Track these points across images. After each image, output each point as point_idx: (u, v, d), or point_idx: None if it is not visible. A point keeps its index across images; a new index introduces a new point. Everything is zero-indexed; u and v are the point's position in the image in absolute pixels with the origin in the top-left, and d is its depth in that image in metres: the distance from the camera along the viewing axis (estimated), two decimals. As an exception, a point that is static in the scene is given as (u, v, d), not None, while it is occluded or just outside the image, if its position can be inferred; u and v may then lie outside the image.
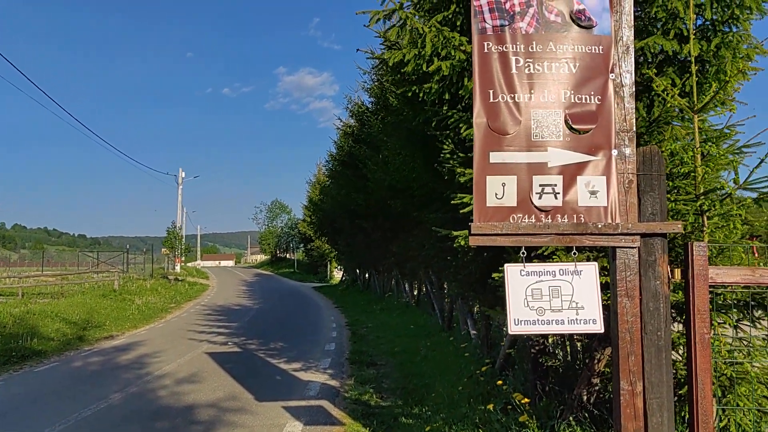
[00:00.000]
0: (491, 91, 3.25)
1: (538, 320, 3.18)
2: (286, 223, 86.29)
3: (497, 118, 3.23)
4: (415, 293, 19.60)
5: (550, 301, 3.19)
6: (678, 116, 4.55)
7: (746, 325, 3.94)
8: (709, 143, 4.25)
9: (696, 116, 3.97)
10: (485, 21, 3.28)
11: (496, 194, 3.23)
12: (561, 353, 5.87)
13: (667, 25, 4.55)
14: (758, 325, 3.86)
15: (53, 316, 16.14)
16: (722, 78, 4.36)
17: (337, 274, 48.22)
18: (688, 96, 4.33)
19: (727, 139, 4.64)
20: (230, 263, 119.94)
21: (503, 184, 3.23)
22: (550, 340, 5.89)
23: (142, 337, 15.09)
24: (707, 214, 3.91)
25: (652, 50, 4.56)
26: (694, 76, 3.99)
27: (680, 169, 4.21)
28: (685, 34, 4.36)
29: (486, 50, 3.27)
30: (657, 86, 4.05)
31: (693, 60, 4.00)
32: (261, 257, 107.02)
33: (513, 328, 3.17)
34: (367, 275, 32.06)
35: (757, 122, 4.71)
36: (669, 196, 4.21)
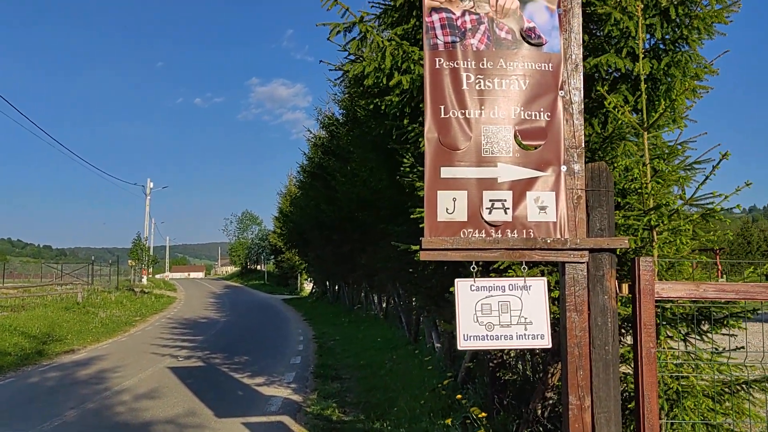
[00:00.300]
0: (442, 107, 3.26)
1: (487, 335, 3.18)
2: (256, 235, 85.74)
3: (448, 134, 3.24)
4: (384, 305, 19.58)
5: (500, 316, 3.20)
6: (631, 132, 4.63)
7: (695, 338, 4.00)
8: (659, 159, 4.33)
9: (646, 133, 4.05)
10: (437, 37, 3.30)
11: (447, 209, 3.24)
12: (521, 366, 5.90)
13: (620, 44, 4.64)
14: (705, 339, 3.92)
15: (12, 330, 15.73)
16: (672, 96, 4.45)
17: (308, 286, 47.94)
18: (640, 113, 4.41)
19: (678, 155, 4.75)
20: (200, 275, 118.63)
21: (454, 199, 3.23)
22: (512, 354, 5.92)
23: (104, 351, 14.79)
24: (657, 229, 3.97)
25: (606, 68, 4.64)
26: (644, 94, 4.07)
27: (632, 184, 4.28)
28: (637, 53, 4.45)
29: (437, 66, 3.29)
30: (609, 104, 4.12)
31: (643, 79, 4.08)
32: (231, 269, 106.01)
33: (462, 344, 3.17)
34: (336, 287, 31.94)
35: (708, 139, 4.82)
36: (621, 211, 4.27)
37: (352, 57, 5.90)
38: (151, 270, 53.18)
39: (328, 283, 34.57)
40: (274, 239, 50.10)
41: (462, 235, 3.22)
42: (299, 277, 51.16)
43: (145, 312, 26.99)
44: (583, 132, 3.31)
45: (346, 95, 15.34)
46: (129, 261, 47.40)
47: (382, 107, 5.64)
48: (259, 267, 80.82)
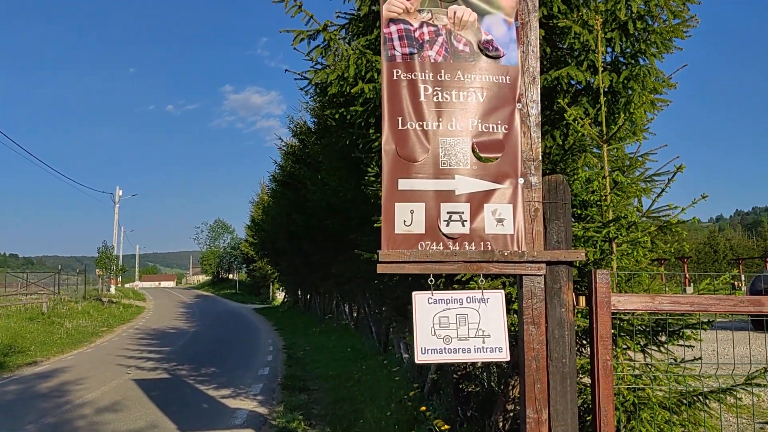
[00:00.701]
0: (400, 119, 3.25)
1: (444, 349, 3.16)
2: (228, 243, 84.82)
3: (406, 146, 3.22)
4: (355, 315, 19.48)
5: (457, 329, 3.18)
6: (592, 144, 4.67)
7: (653, 349, 4.03)
8: (620, 172, 4.36)
9: (605, 146, 4.08)
10: (395, 48, 3.28)
11: (404, 221, 3.21)
12: (486, 377, 5.89)
13: (581, 57, 4.68)
14: (662, 350, 3.95)
15: (-29, 342, 15.32)
16: (630, 109, 4.50)
17: (280, 296, 47.59)
18: (600, 125, 4.45)
19: (638, 167, 4.80)
20: (171, 284, 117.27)
21: (411, 212, 3.21)
22: (478, 365, 5.91)
23: (68, 362, 14.47)
24: (616, 241, 4.00)
25: (567, 80, 4.68)
26: (604, 107, 4.11)
27: (592, 196, 4.30)
28: (597, 66, 4.49)
29: (395, 77, 3.27)
30: (568, 116, 4.14)
31: (602, 92, 4.12)
32: (203, 278, 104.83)
33: (420, 357, 3.14)
34: (308, 296, 31.75)
35: (669, 151, 4.89)
36: (582, 223, 4.30)
37: (318, 66, 5.87)
38: (120, 279, 52.35)
39: (299, 293, 34.35)
40: (246, 248, 49.68)
41: (420, 248, 3.19)
42: (271, 286, 50.75)
43: (113, 322, 26.55)
44: (540, 145, 3.31)
45: (318, 104, 15.31)
46: (97, 270, 46.62)
47: (348, 117, 5.62)
48: (231, 276, 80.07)
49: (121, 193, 52.10)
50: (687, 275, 45.33)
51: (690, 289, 41.84)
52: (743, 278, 46.11)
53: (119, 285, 51.84)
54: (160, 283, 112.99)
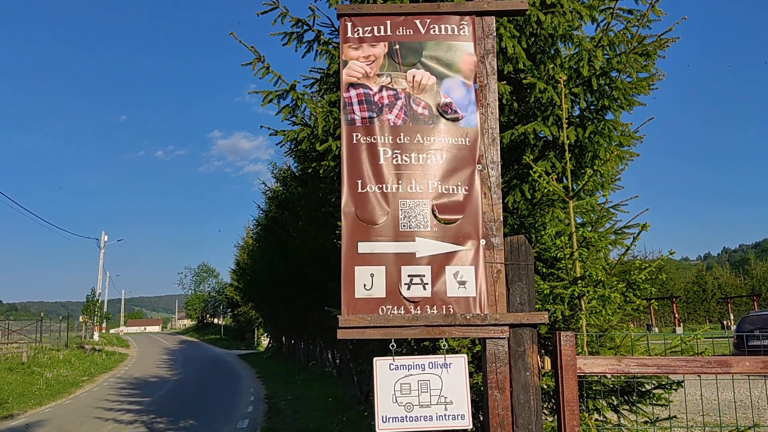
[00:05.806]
0: (360, 182, 3.23)
1: (406, 417, 3.07)
2: (213, 287, 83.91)
3: (365, 208, 3.20)
4: (337, 362, 19.18)
5: (419, 396, 3.10)
6: (559, 200, 4.66)
7: (626, 409, 3.95)
8: (588, 227, 4.35)
9: (571, 202, 4.07)
10: (354, 113, 3.28)
11: (364, 285, 3.16)
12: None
13: (547, 112, 4.72)
14: (634, 409, 3.88)
15: (-57, 396, 14.90)
16: (598, 163, 4.52)
17: (265, 341, 46.94)
18: (567, 180, 4.45)
19: (609, 219, 4.80)
20: (156, 329, 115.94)
21: (372, 275, 3.17)
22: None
23: (46, 415, 14.09)
24: (585, 298, 3.95)
25: (534, 135, 4.70)
26: (569, 163, 4.11)
27: (560, 252, 4.27)
28: (562, 122, 4.52)
29: (355, 141, 3.26)
30: (534, 173, 4.15)
31: (567, 148, 4.13)
32: (188, 322, 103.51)
33: (381, 426, 3.05)
34: (292, 342, 31.33)
35: (640, 202, 4.91)
36: (549, 282, 4.26)
37: (290, 121, 5.88)
38: (104, 325, 51.58)
39: (284, 338, 33.90)
40: (231, 292, 49.14)
41: (380, 312, 3.14)
42: (256, 332, 50.07)
43: (94, 371, 26.04)
44: (501, 205, 3.29)
45: (294, 157, 15.36)
46: (81, 317, 45.97)
47: (320, 171, 5.61)
48: (216, 321, 79.08)
49: (106, 239, 51.86)
50: (676, 315, 45.45)
51: (680, 329, 41.76)
52: (732, 317, 46.26)
53: (104, 331, 51.08)
54: (145, 328, 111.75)
